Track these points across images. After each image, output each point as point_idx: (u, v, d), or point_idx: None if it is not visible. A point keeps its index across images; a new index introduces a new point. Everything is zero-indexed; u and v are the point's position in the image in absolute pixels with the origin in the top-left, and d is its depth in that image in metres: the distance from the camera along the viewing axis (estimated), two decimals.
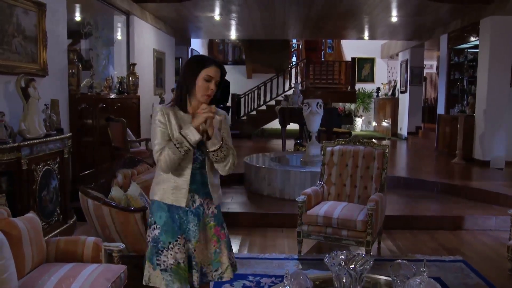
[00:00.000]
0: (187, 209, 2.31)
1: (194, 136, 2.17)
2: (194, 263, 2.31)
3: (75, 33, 6.72)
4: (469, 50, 9.55)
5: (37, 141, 4.00)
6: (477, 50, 8.63)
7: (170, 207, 2.30)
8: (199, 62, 2.27)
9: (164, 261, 2.23)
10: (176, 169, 2.25)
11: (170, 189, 2.28)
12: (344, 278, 2.16)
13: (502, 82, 8.03)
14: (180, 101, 2.30)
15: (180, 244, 2.26)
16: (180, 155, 2.18)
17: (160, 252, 2.25)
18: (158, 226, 2.28)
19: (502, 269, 3.94)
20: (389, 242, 4.66)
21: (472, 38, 8.79)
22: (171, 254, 2.24)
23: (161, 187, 2.30)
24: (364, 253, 3.74)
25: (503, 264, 3.99)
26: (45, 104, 4.50)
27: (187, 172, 2.29)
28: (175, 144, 2.17)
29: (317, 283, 2.61)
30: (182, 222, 2.30)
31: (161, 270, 2.23)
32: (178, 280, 2.22)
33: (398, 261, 2.39)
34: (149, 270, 2.26)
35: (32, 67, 4.49)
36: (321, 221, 4.01)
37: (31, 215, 2.79)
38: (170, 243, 2.25)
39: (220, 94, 10.26)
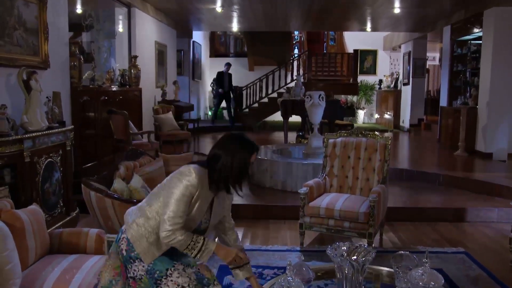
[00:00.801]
0: None
1: (205, 258, 2.15)
2: (206, 280, 2.25)
3: (76, 25, 6.70)
4: (472, 41, 9.49)
5: (39, 133, 4.00)
6: (481, 42, 8.58)
7: None
8: (250, 150, 2.24)
9: None
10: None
11: (147, 241, 2.15)
12: (346, 269, 2.17)
13: (506, 74, 7.98)
14: (229, 179, 2.20)
15: (178, 269, 2.16)
16: (181, 250, 2.14)
17: (159, 282, 2.13)
18: None
19: (504, 261, 3.94)
20: (391, 234, 4.67)
21: (476, 30, 8.74)
22: (171, 281, 2.13)
23: (141, 231, 2.15)
24: (366, 244, 3.75)
25: (505, 256, 3.99)
26: (47, 97, 4.49)
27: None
28: (188, 244, 2.10)
29: (319, 274, 2.62)
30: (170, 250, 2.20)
31: None
32: None
33: (400, 252, 2.40)
34: None
35: (33, 60, 4.49)
36: (323, 213, 4.01)
37: (34, 207, 2.80)
38: (167, 269, 2.15)
39: (228, 87, 10.03)
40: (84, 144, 5.74)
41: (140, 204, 2.27)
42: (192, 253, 2.13)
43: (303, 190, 4.15)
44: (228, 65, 13.12)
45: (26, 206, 2.85)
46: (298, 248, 4.18)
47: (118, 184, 3.62)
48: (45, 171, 4.13)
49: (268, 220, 5.05)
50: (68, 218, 4.52)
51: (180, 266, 2.18)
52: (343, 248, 2.30)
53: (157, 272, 2.13)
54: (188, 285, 2.14)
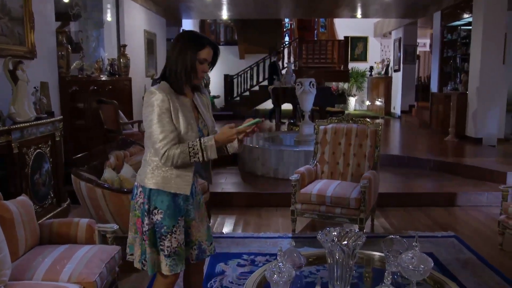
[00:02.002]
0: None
1: (212, 154, 2.08)
2: (189, 240, 2.28)
3: (63, 14, 6.61)
4: (462, 27, 9.50)
5: (28, 124, 3.96)
6: (470, 27, 8.59)
7: (171, 192, 2.18)
8: (197, 42, 2.12)
9: (168, 246, 2.14)
10: None
11: (172, 177, 2.15)
12: (337, 254, 2.17)
13: (495, 59, 8.01)
14: (179, 84, 2.13)
15: (180, 226, 2.18)
16: (188, 162, 2.09)
17: (163, 237, 2.14)
18: (160, 211, 2.14)
19: (493, 244, 3.99)
20: (383, 220, 4.70)
21: (466, 15, 8.74)
22: (174, 238, 2.15)
23: (160, 175, 2.14)
24: (358, 229, 3.77)
25: (495, 239, 4.04)
26: (34, 87, 4.44)
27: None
28: (189, 151, 2.06)
29: (310, 260, 2.64)
30: (182, 204, 2.21)
31: (165, 255, 2.15)
32: (180, 261, 2.18)
33: (390, 237, 2.41)
34: (153, 255, 2.17)
35: (19, 50, 4.42)
36: (314, 199, 4.02)
37: (23, 198, 2.78)
38: (173, 226, 2.15)
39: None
40: (74, 135, 5.70)
41: (143, 161, 2.25)
42: (199, 157, 2.07)
43: (294, 177, 4.15)
44: (278, 53, 11.50)
45: (15, 197, 2.82)
46: (290, 235, 4.20)
47: (108, 174, 3.60)
48: (35, 162, 4.10)
49: (260, 207, 5.06)
50: (59, 209, 4.50)
51: (182, 222, 2.19)
52: (333, 233, 2.31)
53: (165, 227, 2.13)
54: (183, 243, 2.20)
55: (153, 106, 2.06)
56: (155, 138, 2.06)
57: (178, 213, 2.18)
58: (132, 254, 2.26)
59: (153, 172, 2.15)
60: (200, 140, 2.09)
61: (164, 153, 2.05)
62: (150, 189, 2.15)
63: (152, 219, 2.15)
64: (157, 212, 2.14)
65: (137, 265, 2.23)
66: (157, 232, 2.15)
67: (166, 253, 2.15)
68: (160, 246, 2.15)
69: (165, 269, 2.16)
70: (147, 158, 2.19)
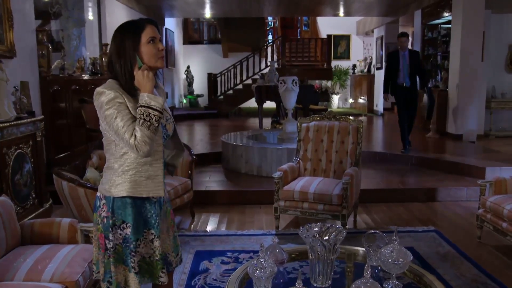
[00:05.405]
0: (154, 200, 2.04)
1: (155, 100, 1.88)
2: (169, 259, 2.12)
3: (44, 13, 6.53)
4: (442, 25, 9.65)
5: (7, 124, 3.91)
6: (450, 26, 8.72)
7: (135, 201, 1.98)
8: (135, 29, 1.96)
9: (138, 262, 1.99)
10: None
11: (142, 179, 1.97)
12: (318, 249, 2.21)
13: (474, 56, 8.16)
14: (128, 80, 1.95)
15: (146, 239, 2.02)
16: (154, 127, 1.87)
17: (133, 253, 1.97)
18: (128, 225, 1.97)
19: (472, 237, 4.08)
20: (365, 215, 4.76)
21: (445, 14, 8.88)
22: (138, 251, 1.99)
23: (129, 179, 1.95)
24: (340, 225, 3.81)
25: (473, 232, 4.13)
26: (14, 87, 4.38)
27: (160, 156, 2.02)
28: (144, 119, 1.86)
29: (293, 256, 2.67)
30: (148, 216, 2.02)
31: (135, 273, 1.98)
32: (147, 274, 2.03)
33: (371, 231, 2.46)
34: (124, 273, 1.99)
35: None
36: (297, 196, 4.06)
37: (2, 198, 2.75)
38: (138, 239, 1.99)
39: (410, 78, 7.25)
40: (56, 134, 5.64)
41: (105, 170, 2.06)
42: (155, 114, 1.87)
43: (277, 174, 4.18)
44: (404, 36, 7.10)
45: None
46: (274, 232, 4.22)
47: (90, 173, 3.58)
48: (15, 163, 4.05)
49: (244, 205, 5.08)
50: (41, 210, 4.45)
51: (148, 235, 2.03)
52: (315, 228, 2.35)
53: (134, 242, 1.97)
54: (149, 257, 2.03)
55: (107, 106, 1.88)
56: (121, 132, 1.87)
57: (144, 226, 2.01)
58: (99, 272, 2.06)
59: (121, 177, 1.96)
60: (140, 107, 1.89)
61: (137, 146, 1.86)
62: (114, 201, 1.97)
63: (120, 234, 1.97)
64: (126, 226, 1.97)
65: (102, 285, 2.02)
66: (127, 248, 1.98)
67: (136, 270, 1.99)
68: (130, 263, 1.98)
69: (136, 287, 2.00)
70: (111, 164, 2.00)
